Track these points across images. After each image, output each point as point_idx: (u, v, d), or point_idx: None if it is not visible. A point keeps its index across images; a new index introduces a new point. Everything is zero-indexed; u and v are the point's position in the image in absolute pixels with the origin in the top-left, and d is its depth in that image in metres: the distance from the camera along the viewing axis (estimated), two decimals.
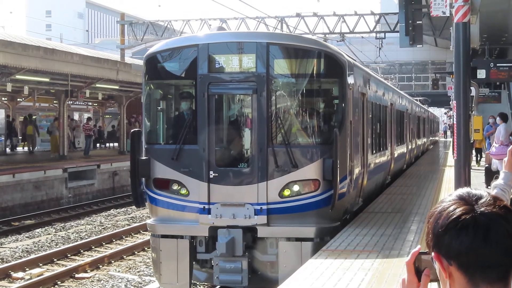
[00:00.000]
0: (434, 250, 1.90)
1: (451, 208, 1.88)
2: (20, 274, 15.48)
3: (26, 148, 41.88)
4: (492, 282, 1.84)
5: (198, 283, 13.16)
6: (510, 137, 18.86)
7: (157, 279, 12.42)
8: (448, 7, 12.44)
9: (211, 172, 11.74)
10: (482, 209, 1.86)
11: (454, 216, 1.86)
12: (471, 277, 1.85)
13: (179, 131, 12.11)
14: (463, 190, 1.95)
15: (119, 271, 16.07)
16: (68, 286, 14.99)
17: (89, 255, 17.78)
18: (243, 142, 12.23)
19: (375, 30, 37.31)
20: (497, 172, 19.47)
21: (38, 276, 15.29)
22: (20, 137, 44.50)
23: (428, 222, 1.95)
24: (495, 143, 18.77)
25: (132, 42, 43.52)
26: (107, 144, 49.18)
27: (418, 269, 2.01)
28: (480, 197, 1.90)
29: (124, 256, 17.59)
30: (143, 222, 21.02)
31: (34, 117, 43.32)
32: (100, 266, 16.50)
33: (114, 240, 19.80)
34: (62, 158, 33.06)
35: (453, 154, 12.79)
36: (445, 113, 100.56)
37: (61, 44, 46.70)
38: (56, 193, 27.83)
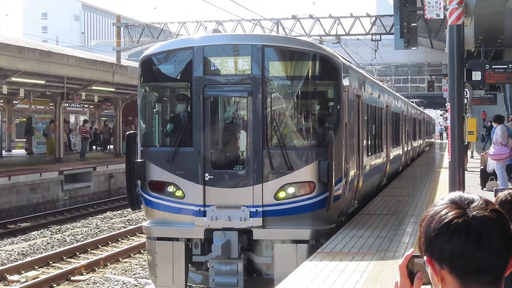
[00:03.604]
0: (426, 254, 1.90)
1: (443, 212, 1.89)
2: (15, 277, 15.46)
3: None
4: (485, 285, 1.85)
5: (193, 285, 13.15)
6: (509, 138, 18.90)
7: (153, 281, 12.41)
8: (442, 9, 12.46)
9: (206, 175, 11.74)
10: (474, 213, 1.86)
11: (446, 220, 1.86)
12: (463, 281, 1.85)
13: (174, 134, 12.11)
14: (455, 194, 1.95)
15: (115, 273, 16.06)
16: None
17: (85, 258, 17.77)
18: (238, 144, 12.24)
19: (370, 32, 37.33)
20: (492, 174, 19.53)
21: (33, 278, 15.27)
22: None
23: (421, 226, 1.95)
24: (494, 144, 18.82)
25: (128, 44, 43.45)
26: (108, 146, 48.68)
27: (411, 272, 2.01)
28: (472, 201, 1.90)
29: (120, 259, 17.58)
30: (139, 225, 20.99)
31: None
32: (96, 268, 16.49)
33: (110, 242, 19.79)
34: (58, 161, 33.03)
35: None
36: (441, 115, 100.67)
37: (57, 46, 46.59)
38: (52, 196, 27.80)
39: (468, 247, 1.82)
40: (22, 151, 42.77)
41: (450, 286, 1.87)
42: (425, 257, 1.91)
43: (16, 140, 50.62)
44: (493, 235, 1.83)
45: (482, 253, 1.82)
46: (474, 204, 1.89)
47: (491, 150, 18.87)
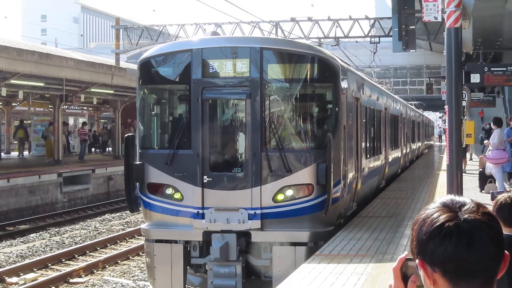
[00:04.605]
0: (419, 257, 1.91)
1: (435, 215, 1.90)
2: (14, 279, 15.45)
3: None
4: None
5: (192, 287, 13.16)
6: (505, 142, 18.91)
7: (151, 283, 12.42)
8: (440, 12, 12.45)
9: (205, 177, 11.75)
10: (466, 216, 1.87)
11: (438, 223, 1.87)
12: (455, 283, 1.86)
13: (173, 136, 12.13)
14: (447, 197, 1.96)
15: (113, 276, 16.06)
16: None
17: (83, 260, 17.76)
18: (237, 146, 12.24)
19: (369, 34, 37.37)
20: (491, 176, 19.54)
21: (32, 281, 15.26)
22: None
23: (413, 229, 1.96)
24: (491, 147, 18.82)
25: (127, 47, 43.46)
26: (107, 149, 48.44)
27: (405, 275, 2.02)
28: (463, 204, 1.91)
29: (119, 261, 17.58)
30: (138, 227, 20.99)
31: (28, 121, 43.28)
32: (95, 271, 16.48)
33: (108, 245, 19.78)
34: (57, 163, 33.01)
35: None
36: (440, 117, 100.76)
37: (56, 48, 46.64)
38: (50, 198, 27.79)
39: (460, 250, 1.83)
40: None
41: None
42: (417, 260, 1.92)
43: (15, 142, 50.58)
44: (484, 238, 1.84)
45: (474, 256, 1.83)
46: (466, 207, 1.90)
47: (489, 153, 18.87)
